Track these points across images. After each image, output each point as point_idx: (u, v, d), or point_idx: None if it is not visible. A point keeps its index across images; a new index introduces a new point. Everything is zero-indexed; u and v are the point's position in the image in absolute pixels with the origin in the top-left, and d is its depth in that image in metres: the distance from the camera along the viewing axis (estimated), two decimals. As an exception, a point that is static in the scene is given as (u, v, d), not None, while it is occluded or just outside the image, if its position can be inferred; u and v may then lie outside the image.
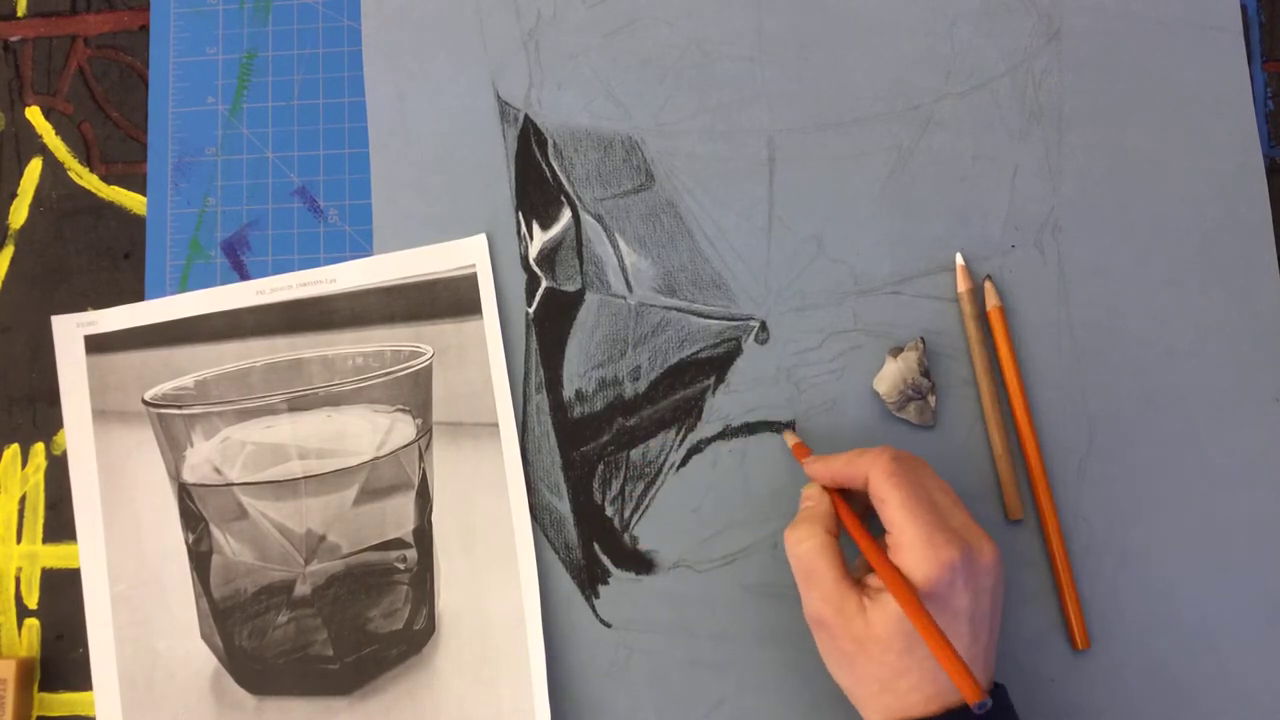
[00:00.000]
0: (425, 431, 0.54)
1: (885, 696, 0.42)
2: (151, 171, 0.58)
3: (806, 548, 0.44)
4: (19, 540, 0.56)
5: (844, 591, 0.43)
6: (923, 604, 0.40)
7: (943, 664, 0.39)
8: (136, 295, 0.57)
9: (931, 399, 0.52)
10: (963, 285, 0.53)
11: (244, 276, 0.57)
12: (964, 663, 0.39)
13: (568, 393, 0.54)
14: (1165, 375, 0.53)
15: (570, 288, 0.55)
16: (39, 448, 0.57)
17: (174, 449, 0.55)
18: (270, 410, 0.55)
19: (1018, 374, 0.52)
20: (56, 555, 0.56)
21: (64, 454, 0.56)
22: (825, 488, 0.47)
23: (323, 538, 0.53)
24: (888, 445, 0.46)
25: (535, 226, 0.56)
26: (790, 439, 0.52)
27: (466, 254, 0.55)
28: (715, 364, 0.54)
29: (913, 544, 0.42)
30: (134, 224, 0.58)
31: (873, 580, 0.44)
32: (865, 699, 0.43)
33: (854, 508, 0.47)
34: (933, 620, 0.40)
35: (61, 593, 0.55)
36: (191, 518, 0.54)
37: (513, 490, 0.53)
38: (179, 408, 0.55)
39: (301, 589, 0.53)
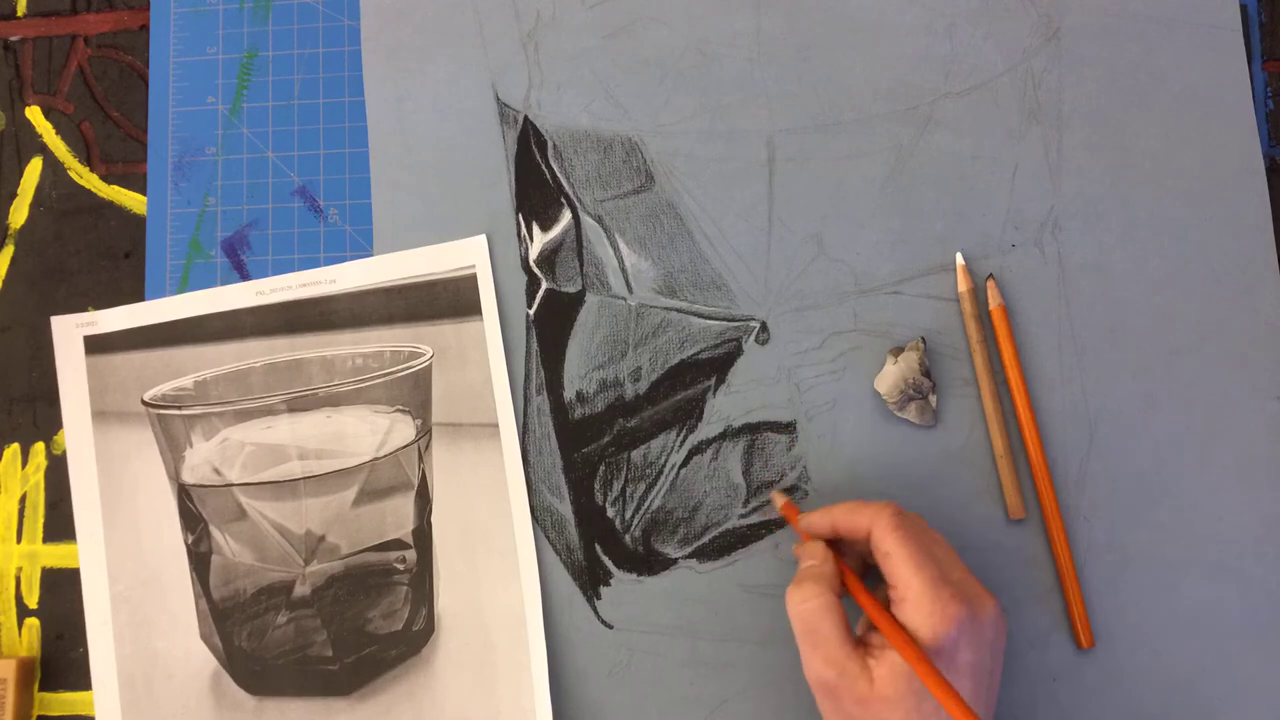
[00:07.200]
0: (425, 432, 0.54)
1: None
2: (151, 171, 0.58)
3: (811, 607, 0.44)
4: (19, 540, 0.56)
5: (848, 653, 0.43)
6: (930, 660, 0.41)
7: (955, 717, 0.39)
8: (136, 295, 0.57)
9: (932, 399, 0.52)
10: (963, 285, 0.53)
11: (244, 276, 0.57)
12: (977, 715, 0.39)
13: (568, 394, 0.54)
14: (1165, 375, 0.53)
15: (570, 289, 0.55)
16: (39, 447, 0.57)
17: (173, 450, 0.55)
18: (270, 411, 0.54)
19: (1021, 373, 0.52)
20: (57, 555, 0.56)
21: (64, 454, 0.56)
22: (828, 547, 0.46)
23: (322, 538, 0.53)
24: (890, 500, 0.46)
25: (535, 228, 0.56)
26: (779, 499, 0.51)
27: (466, 255, 0.55)
28: (716, 365, 0.54)
29: (919, 599, 0.42)
30: (134, 224, 0.58)
31: (875, 638, 0.43)
32: None
33: (847, 563, 0.47)
34: (941, 675, 0.40)
35: (62, 592, 0.55)
36: (191, 518, 0.54)
37: (513, 491, 0.53)
38: (178, 408, 0.55)
39: (301, 590, 0.53)
